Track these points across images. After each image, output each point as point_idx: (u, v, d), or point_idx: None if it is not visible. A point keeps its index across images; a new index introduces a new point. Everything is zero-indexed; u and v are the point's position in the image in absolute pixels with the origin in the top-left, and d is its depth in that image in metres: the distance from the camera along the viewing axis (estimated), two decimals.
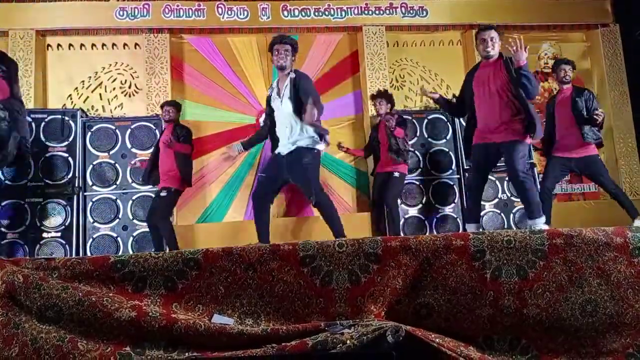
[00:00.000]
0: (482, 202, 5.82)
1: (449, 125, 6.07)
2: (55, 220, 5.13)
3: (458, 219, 5.84)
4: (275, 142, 4.21)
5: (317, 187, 4.02)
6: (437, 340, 2.09)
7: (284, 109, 4.09)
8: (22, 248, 5.03)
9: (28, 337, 2.05)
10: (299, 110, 3.98)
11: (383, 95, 5.59)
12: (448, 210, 5.86)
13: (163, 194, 5.08)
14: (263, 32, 6.65)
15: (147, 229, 5.28)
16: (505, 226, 5.80)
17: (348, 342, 1.95)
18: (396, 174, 5.36)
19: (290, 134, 4.05)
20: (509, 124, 3.87)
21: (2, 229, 4.98)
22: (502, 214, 5.84)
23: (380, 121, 5.54)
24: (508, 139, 3.87)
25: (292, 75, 4.12)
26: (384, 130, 5.36)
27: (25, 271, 2.17)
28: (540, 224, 3.76)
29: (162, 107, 5.31)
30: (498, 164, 4.33)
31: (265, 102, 4.44)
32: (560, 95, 5.03)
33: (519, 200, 5.81)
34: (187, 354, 2.06)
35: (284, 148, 4.10)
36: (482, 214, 5.82)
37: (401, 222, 5.79)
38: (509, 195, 5.85)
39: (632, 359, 2.27)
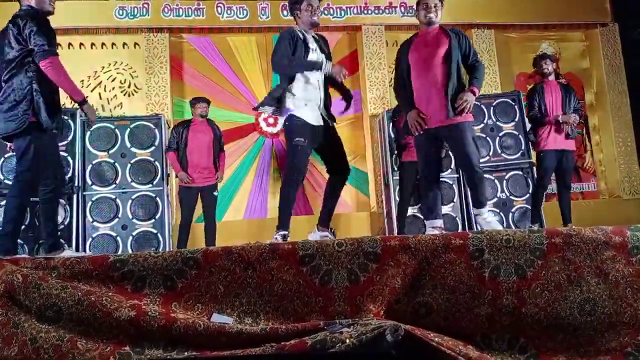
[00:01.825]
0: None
1: None
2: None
3: (457, 218, 5.85)
4: (303, 102, 3.54)
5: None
6: (436, 339, 2.10)
7: (324, 69, 3.53)
8: (22, 247, 5.03)
9: (27, 337, 2.05)
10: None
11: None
12: (447, 209, 5.86)
13: (215, 193, 5.31)
14: (262, 32, 6.66)
15: (147, 228, 5.30)
16: (504, 225, 5.80)
17: (347, 341, 1.95)
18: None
19: (322, 99, 3.58)
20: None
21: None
22: (501, 213, 5.84)
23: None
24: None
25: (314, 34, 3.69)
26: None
27: (25, 270, 2.17)
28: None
29: (194, 103, 5.36)
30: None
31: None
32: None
33: (518, 199, 5.84)
34: (186, 353, 2.06)
35: (316, 114, 3.54)
36: None
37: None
38: (507, 194, 5.85)
39: (631, 357, 2.27)
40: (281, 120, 3.69)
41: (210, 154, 5.24)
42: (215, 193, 5.31)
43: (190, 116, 5.50)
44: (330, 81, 3.69)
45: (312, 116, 3.52)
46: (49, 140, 3.23)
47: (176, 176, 5.39)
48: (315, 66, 3.49)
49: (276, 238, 3.32)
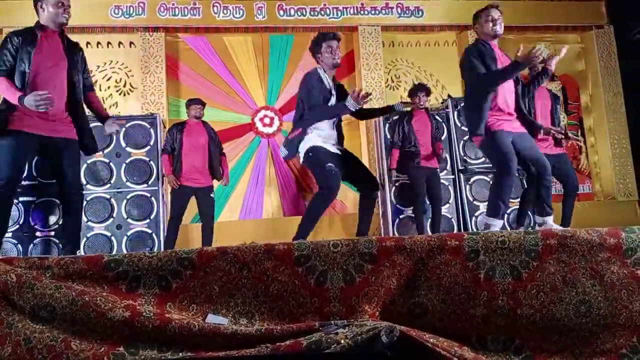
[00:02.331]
0: (477, 203, 5.87)
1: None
2: (48, 219, 5.11)
3: (452, 219, 5.86)
4: (321, 139, 3.77)
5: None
6: (432, 340, 2.10)
7: (350, 106, 3.68)
8: (16, 247, 5.01)
9: (21, 337, 2.04)
10: None
11: (424, 89, 5.65)
12: (443, 210, 5.87)
13: (212, 195, 5.28)
14: (259, 32, 6.66)
15: (142, 228, 5.29)
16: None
17: (342, 342, 1.95)
18: (438, 169, 5.63)
19: (336, 137, 3.83)
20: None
21: None
22: None
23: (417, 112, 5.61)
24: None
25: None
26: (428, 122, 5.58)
27: (18, 270, 2.16)
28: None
29: (189, 105, 5.34)
30: None
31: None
32: None
33: (513, 200, 5.84)
34: (181, 354, 2.05)
35: (332, 144, 3.77)
36: (476, 214, 5.85)
37: (396, 222, 5.81)
38: None
39: (626, 359, 2.28)
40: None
41: (205, 156, 5.21)
42: (211, 195, 5.28)
43: (184, 116, 5.49)
44: (359, 115, 4.06)
45: (332, 147, 3.74)
46: None
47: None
48: (344, 111, 3.65)
49: None
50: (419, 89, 5.56)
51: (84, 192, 5.25)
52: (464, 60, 3.66)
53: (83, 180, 5.33)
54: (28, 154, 3.41)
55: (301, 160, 3.79)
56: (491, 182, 3.76)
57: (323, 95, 3.69)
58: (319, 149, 3.66)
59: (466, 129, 5.97)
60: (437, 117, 5.81)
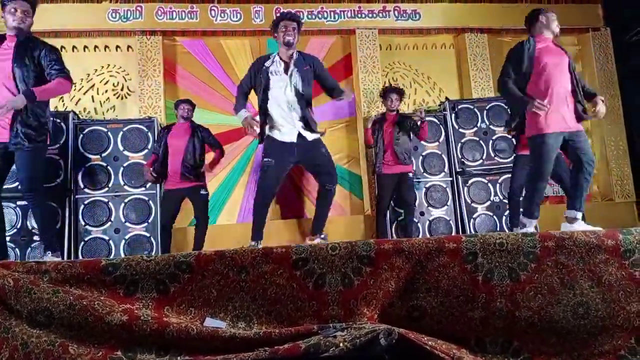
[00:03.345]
0: (475, 205, 5.88)
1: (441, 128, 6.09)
2: None
3: (451, 222, 5.86)
4: (268, 119, 3.97)
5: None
6: (430, 342, 2.10)
7: (293, 86, 3.92)
8: (13, 251, 5.00)
9: (18, 342, 2.03)
10: (308, 93, 3.96)
11: (396, 90, 5.65)
12: (440, 212, 5.87)
13: (203, 192, 5.20)
14: (256, 35, 6.65)
15: (140, 232, 5.28)
16: (498, 229, 5.81)
17: (341, 345, 1.95)
18: (410, 174, 5.50)
19: (296, 116, 3.91)
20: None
21: None
22: (494, 217, 5.86)
23: (389, 116, 5.59)
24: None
25: (297, 55, 4.05)
26: (399, 126, 5.49)
27: (16, 275, 2.15)
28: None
29: (177, 105, 5.31)
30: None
31: (251, 78, 4.11)
32: None
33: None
34: (179, 357, 2.05)
35: (290, 132, 3.91)
36: (474, 216, 5.86)
37: (393, 225, 5.81)
38: (501, 197, 5.87)
39: None
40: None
41: (192, 156, 5.09)
42: (202, 192, 5.16)
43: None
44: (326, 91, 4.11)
45: (287, 134, 3.90)
46: None
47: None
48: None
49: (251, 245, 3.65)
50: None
51: (81, 195, 5.30)
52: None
53: (81, 184, 5.33)
54: None
55: None
56: (526, 184, 3.81)
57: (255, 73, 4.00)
58: (266, 139, 3.95)
59: (463, 131, 6.02)
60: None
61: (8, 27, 3.58)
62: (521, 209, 3.87)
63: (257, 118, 4.01)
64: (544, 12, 3.95)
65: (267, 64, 3.99)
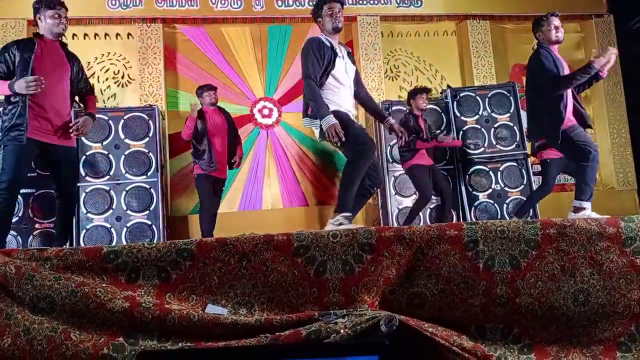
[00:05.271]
0: (476, 193, 5.87)
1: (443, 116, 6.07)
2: (48, 211, 5.11)
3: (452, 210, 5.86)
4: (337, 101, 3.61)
5: None
6: (430, 329, 2.10)
7: (349, 73, 3.69)
8: (15, 239, 5.02)
9: (20, 328, 2.04)
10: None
11: (425, 90, 5.63)
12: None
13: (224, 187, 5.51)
14: (257, 22, 6.62)
15: (141, 220, 5.30)
16: (499, 216, 5.82)
17: (342, 331, 1.96)
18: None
19: (352, 101, 3.71)
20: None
21: None
22: (495, 205, 5.86)
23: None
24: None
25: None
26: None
27: (18, 262, 2.16)
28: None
29: (201, 92, 5.37)
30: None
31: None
32: None
33: (512, 190, 5.85)
34: (180, 344, 2.06)
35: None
36: (475, 204, 5.86)
37: (395, 213, 5.81)
38: (502, 185, 5.86)
39: (624, 347, 2.29)
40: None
41: (225, 143, 5.33)
42: (223, 188, 5.53)
43: (183, 108, 5.49)
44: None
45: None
46: None
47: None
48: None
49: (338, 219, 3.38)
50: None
51: (82, 183, 5.31)
52: (535, 64, 3.89)
53: (82, 173, 5.34)
54: (31, 159, 3.62)
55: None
56: (578, 171, 3.88)
57: (326, 60, 3.52)
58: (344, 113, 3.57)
59: (465, 119, 5.99)
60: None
61: (48, 31, 3.57)
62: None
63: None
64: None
65: (326, 48, 3.57)
